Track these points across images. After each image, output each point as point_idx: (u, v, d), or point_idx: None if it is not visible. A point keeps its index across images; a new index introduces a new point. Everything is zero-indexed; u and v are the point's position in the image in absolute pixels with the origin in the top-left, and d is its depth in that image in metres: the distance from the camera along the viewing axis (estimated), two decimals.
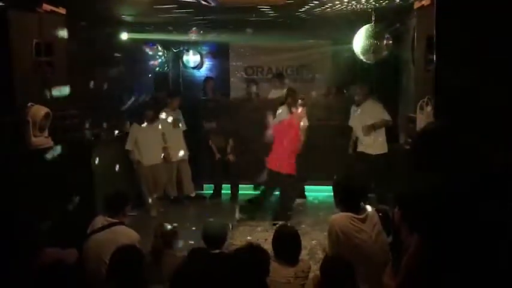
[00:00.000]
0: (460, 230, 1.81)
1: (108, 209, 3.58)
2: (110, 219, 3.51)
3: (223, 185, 7.05)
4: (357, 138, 6.26)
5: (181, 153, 6.71)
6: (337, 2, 4.58)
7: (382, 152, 6.00)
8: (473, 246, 1.80)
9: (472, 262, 1.81)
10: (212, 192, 7.09)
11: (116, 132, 6.03)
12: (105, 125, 5.60)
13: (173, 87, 8.08)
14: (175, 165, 6.70)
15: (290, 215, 5.87)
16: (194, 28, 6.38)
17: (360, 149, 6.20)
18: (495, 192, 1.79)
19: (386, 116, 5.95)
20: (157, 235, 3.43)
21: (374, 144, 6.00)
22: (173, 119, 6.59)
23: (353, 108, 6.28)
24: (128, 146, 6.11)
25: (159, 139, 6.38)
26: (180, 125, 6.71)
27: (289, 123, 5.73)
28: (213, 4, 4.41)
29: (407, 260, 2.05)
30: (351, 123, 6.32)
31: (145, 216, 6.07)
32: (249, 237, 5.29)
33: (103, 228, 3.45)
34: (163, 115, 6.55)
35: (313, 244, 5.02)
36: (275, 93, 7.23)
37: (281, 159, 5.72)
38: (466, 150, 1.86)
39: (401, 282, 2.10)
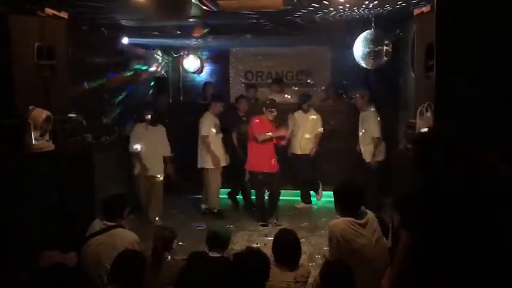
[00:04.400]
0: (446, 227, 1.84)
1: (106, 212, 3.57)
2: (108, 222, 3.50)
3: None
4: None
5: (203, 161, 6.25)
6: (338, 8, 4.60)
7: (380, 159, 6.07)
8: (460, 243, 1.83)
9: (460, 258, 1.83)
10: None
11: (116, 135, 6.01)
12: (105, 128, 5.60)
13: (173, 92, 8.10)
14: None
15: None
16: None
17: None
18: (489, 195, 1.82)
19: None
20: (157, 239, 3.43)
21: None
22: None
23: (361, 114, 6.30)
24: (132, 148, 5.83)
25: (162, 141, 6.07)
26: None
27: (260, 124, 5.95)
28: (214, 9, 4.43)
29: (398, 254, 2.10)
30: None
31: (145, 221, 6.05)
32: (248, 242, 5.30)
33: (101, 231, 3.45)
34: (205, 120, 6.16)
35: (313, 249, 5.03)
36: (274, 98, 7.24)
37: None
38: (461, 153, 1.89)
39: (395, 278, 2.13)
